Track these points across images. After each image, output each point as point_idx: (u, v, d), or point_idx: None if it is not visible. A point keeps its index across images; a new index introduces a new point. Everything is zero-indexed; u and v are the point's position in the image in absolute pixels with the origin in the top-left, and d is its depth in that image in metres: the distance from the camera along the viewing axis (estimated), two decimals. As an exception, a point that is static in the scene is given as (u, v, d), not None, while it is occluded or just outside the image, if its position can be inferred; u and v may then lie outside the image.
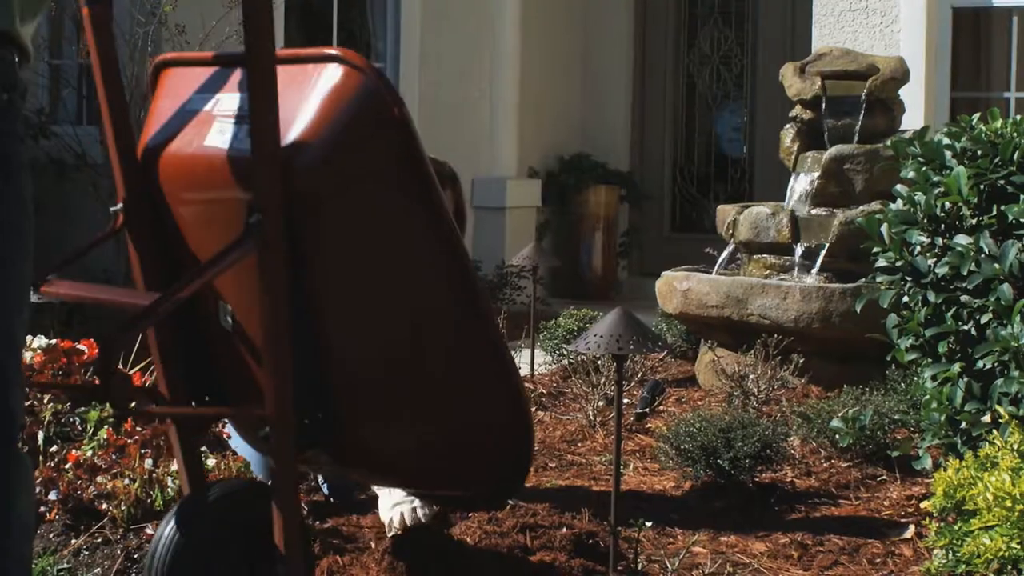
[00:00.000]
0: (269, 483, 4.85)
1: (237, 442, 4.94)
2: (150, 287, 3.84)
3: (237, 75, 3.68)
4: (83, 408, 5.39)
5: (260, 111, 3.37)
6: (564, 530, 4.40)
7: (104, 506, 4.55)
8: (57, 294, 3.78)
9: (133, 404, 3.42)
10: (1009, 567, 4.06)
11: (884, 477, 5.79)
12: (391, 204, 3.57)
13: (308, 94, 3.46)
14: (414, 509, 4.71)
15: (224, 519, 3.74)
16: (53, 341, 5.53)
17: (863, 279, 6.76)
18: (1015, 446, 4.20)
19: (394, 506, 4.77)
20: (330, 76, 3.47)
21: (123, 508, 4.53)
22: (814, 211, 7.67)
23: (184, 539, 3.66)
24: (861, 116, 7.83)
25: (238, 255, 3.37)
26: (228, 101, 3.63)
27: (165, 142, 3.74)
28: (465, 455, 3.95)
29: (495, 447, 3.94)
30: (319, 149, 3.43)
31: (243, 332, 3.69)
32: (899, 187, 5.29)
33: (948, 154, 5.13)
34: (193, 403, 3.99)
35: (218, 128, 3.59)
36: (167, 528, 3.69)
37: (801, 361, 6.93)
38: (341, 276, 3.57)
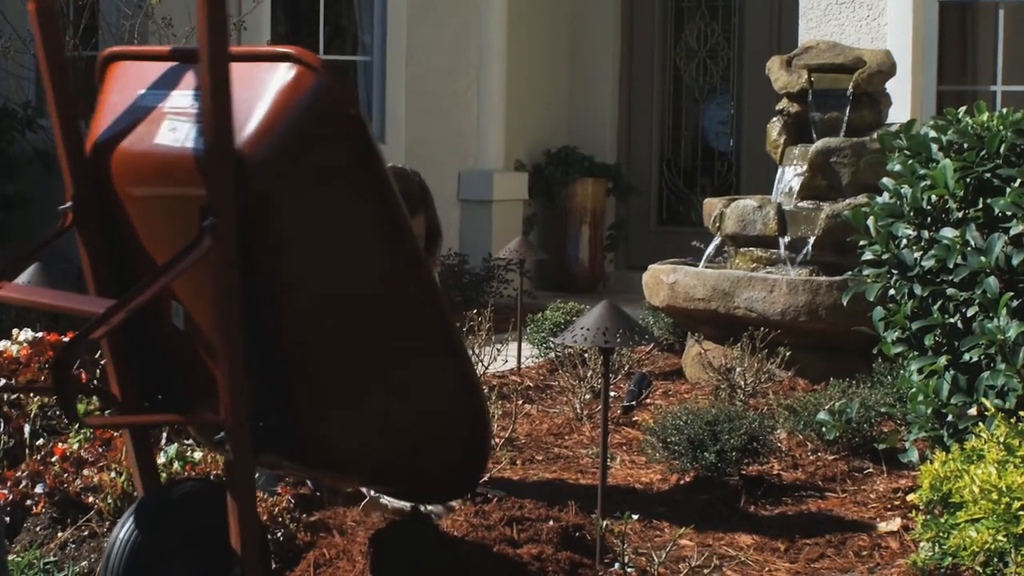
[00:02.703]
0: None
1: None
2: (100, 288, 3.78)
3: (190, 72, 3.62)
4: (69, 401, 5.38)
5: (214, 110, 3.33)
6: (551, 523, 4.40)
7: (91, 499, 4.55)
8: (6, 298, 3.73)
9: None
10: (995, 559, 4.07)
11: (870, 470, 5.80)
12: (345, 201, 3.54)
13: (261, 93, 3.42)
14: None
15: (181, 522, 3.71)
16: (39, 334, 5.52)
17: (849, 272, 6.74)
18: (1001, 439, 4.20)
19: (376, 498, 4.78)
20: (283, 75, 3.43)
21: (110, 501, 4.52)
22: (801, 204, 7.68)
23: (140, 543, 3.63)
24: (848, 109, 7.84)
25: (192, 259, 3.34)
26: (180, 98, 3.58)
27: (115, 139, 3.67)
28: (423, 448, 3.93)
29: (452, 438, 3.93)
30: (272, 148, 3.39)
31: (196, 331, 3.65)
32: (885, 180, 5.30)
33: (934, 147, 5.13)
34: (147, 403, 3.93)
35: (169, 126, 3.54)
36: (122, 531, 3.65)
37: (788, 354, 6.93)
38: (300, 271, 3.55)
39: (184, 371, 3.83)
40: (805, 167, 7.71)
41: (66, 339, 5.32)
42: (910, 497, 4.47)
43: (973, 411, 4.82)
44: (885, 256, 5.13)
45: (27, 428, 5.11)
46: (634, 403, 6.96)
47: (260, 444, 3.66)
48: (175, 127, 3.52)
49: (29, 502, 4.59)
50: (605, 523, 4.40)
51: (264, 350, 3.58)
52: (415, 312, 3.72)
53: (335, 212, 3.54)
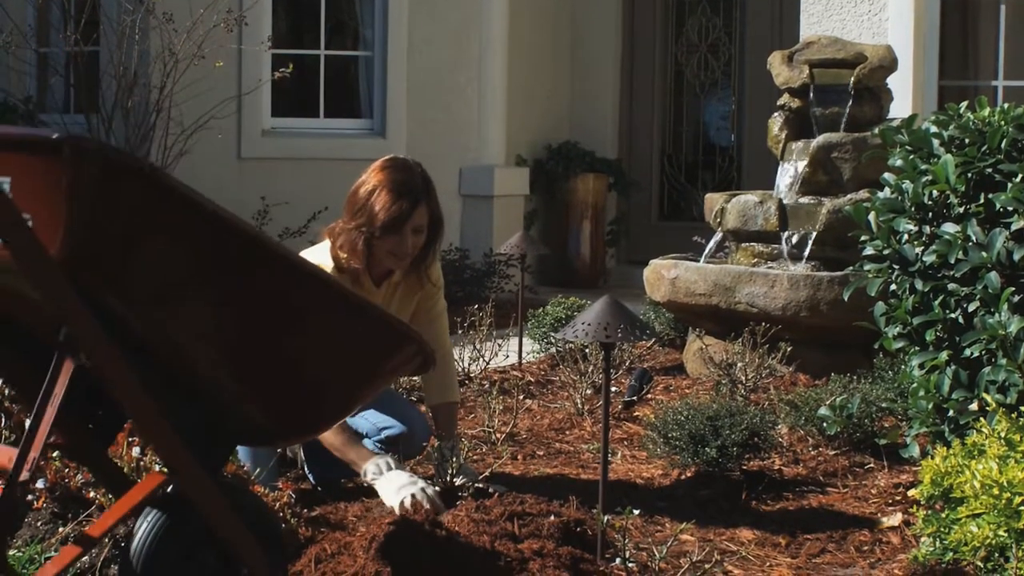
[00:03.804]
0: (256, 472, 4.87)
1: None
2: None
3: None
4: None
5: (17, 251, 3.16)
6: (552, 518, 4.40)
7: (91, 494, 4.54)
8: None
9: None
10: (996, 555, 4.07)
11: (871, 465, 5.80)
12: (172, 235, 3.44)
13: (50, 190, 3.21)
14: (423, 490, 4.75)
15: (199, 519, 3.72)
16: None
17: (851, 267, 6.76)
18: (1002, 434, 4.20)
19: (399, 490, 4.80)
20: (62, 167, 3.17)
21: (110, 496, 4.52)
22: (802, 199, 7.67)
23: (162, 537, 3.64)
24: (849, 104, 7.83)
25: (63, 379, 3.28)
26: None
27: None
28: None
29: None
30: (88, 240, 3.24)
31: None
32: (887, 175, 5.29)
33: (936, 142, 5.13)
34: (90, 426, 3.91)
35: None
36: (144, 522, 3.66)
37: (789, 349, 6.93)
38: (176, 310, 3.50)
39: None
40: (806, 162, 7.71)
41: None
42: (911, 492, 4.47)
43: (974, 406, 4.82)
44: (886, 251, 5.13)
45: (28, 423, 5.10)
46: (635, 398, 6.97)
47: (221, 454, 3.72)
48: None
49: (30, 497, 4.58)
50: (606, 518, 4.40)
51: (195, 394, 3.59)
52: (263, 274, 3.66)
53: (168, 247, 3.46)
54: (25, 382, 3.81)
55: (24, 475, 3.24)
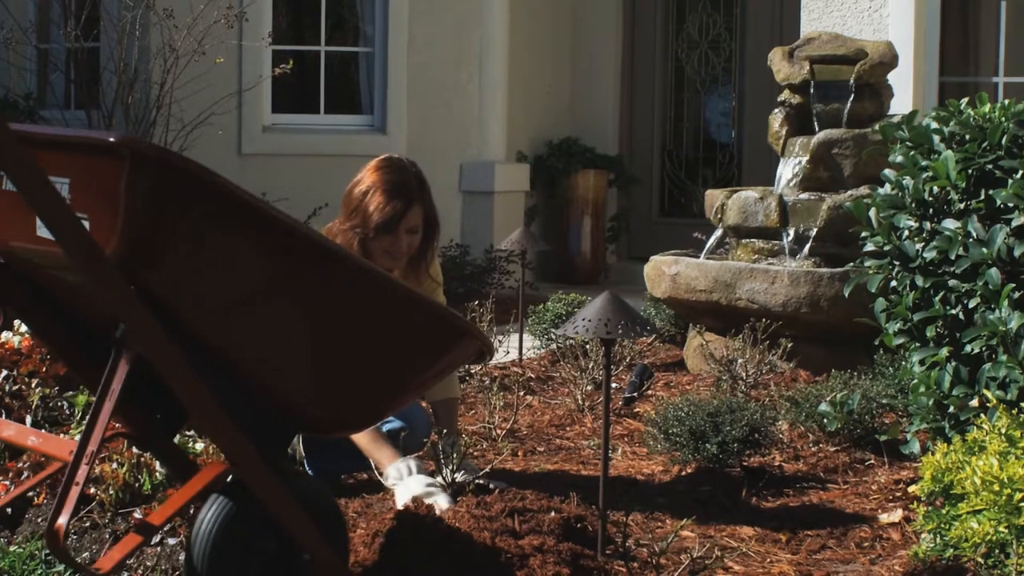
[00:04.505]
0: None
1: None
2: (60, 350, 3.84)
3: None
4: (71, 392, 5.39)
5: (70, 250, 3.20)
6: (552, 514, 4.39)
7: (92, 490, 4.54)
8: None
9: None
10: (996, 551, 4.07)
11: (872, 461, 5.80)
12: (230, 240, 3.45)
13: (107, 191, 3.26)
14: (435, 502, 4.73)
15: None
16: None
17: (851, 264, 6.76)
18: (1003, 430, 4.20)
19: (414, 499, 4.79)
20: (118, 170, 3.22)
21: (112, 492, 4.52)
22: (802, 196, 7.67)
23: (228, 525, 3.67)
24: (849, 101, 7.83)
25: (120, 379, 3.31)
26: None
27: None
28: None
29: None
30: (145, 241, 3.28)
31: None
32: (887, 172, 5.29)
33: (936, 139, 5.13)
34: (156, 416, 3.94)
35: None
36: (209, 511, 3.70)
37: (789, 345, 6.94)
38: (240, 313, 3.52)
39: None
40: (807, 158, 7.71)
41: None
42: (912, 488, 4.47)
43: (975, 402, 4.82)
44: (887, 247, 5.13)
45: (29, 419, 5.11)
46: (636, 394, 6.97)
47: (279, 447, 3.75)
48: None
49: (31, 493, 4.59)
50: (607, 514, 4.40)
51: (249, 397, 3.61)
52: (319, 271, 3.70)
53: (233, 254, 3.48)
54: (85, 368, 3.85)
55: (82, 471, 3.26)
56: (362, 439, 5.03)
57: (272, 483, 3.57)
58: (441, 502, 4.71)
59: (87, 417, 3.40)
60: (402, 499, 4.84)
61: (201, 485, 3.56)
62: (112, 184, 3.20)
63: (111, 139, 3.20)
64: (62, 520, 3.22)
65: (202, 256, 3.36)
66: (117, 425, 3.93)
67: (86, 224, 3.24)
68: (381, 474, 5.02)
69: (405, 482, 4.89)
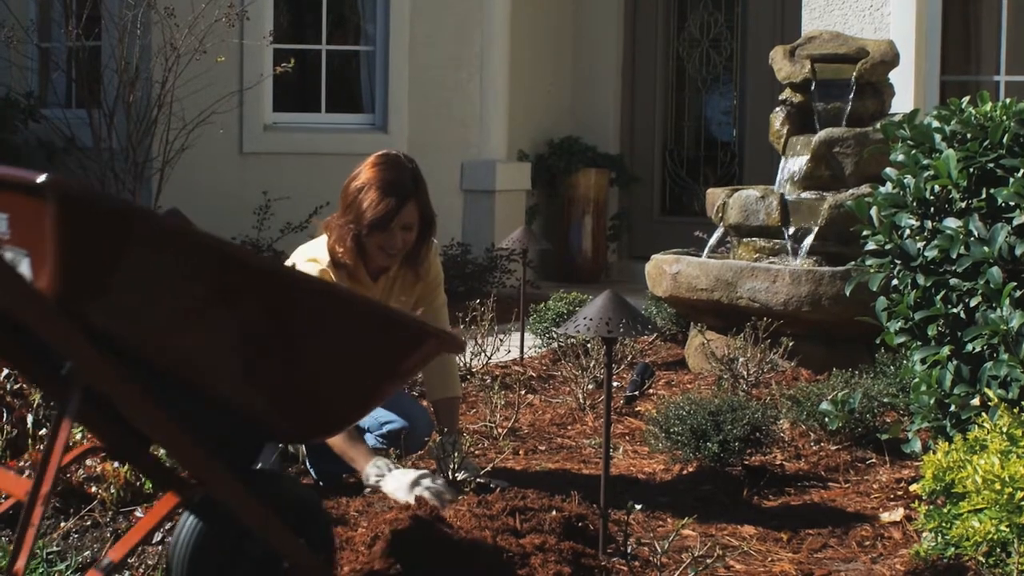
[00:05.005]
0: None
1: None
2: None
3: None
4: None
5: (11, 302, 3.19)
6: (554, 513, 4.40)
7: (94, 489, 4.55)
8: None
9: None
10: (998, 549, 4.07)
11: (873, 460, 5.80)
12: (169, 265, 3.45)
13: (40, 230, 3.22)
14: (433, 481, 4.76)
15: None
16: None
17: (852, 262, 6.75)
18: (1004, 429, 4.20)
19: (411, 486, 4.80)
20: (46, 210, 3.17)
21: (113, 491, 4.52)
22: (804, 194, 7.67)
23: (206, 531, 3.66)
24: (851, 99, 7.83)
25: (71, 418, 3.27)
26: None
27: None
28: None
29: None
30: (82, 276, 3.25)
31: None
32: (889, 170, 5.29)
33: (938, 137, 5.13)
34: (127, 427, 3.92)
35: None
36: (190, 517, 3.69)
37: (791, 344, 6.93)
38: (184, 336, 3.49)
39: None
40: (808, 157, 7.71)
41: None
42: (913, 487, 4.46)
43: (976, 401, 4.81)
44: (888, 246, 5.13)
45: (30, 418, 5.11)
46: (637, 393, 6.97)
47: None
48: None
49: (32, 492, 4.59)
50: (608, 513, 4.40)
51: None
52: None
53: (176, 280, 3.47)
54: (50, 384, 3.82)
55: (37, 512, 3.20)
56: (336, 439, 5.03)
57: (242, 496, 3.53)
58: (439, 481, 4.74)
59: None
60: (398, 491, 4.83)
61: (156, 519, 3.54)
62: (43, 223, 3.17)
63: (38, 180, 3.16)
64: (20, 564, 3.19)
65: (139, 286, 3.32)
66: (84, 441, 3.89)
67: (27, 260, 3.24)
68: (359, 473, 5.03)
69: (392, 475, 4.90)
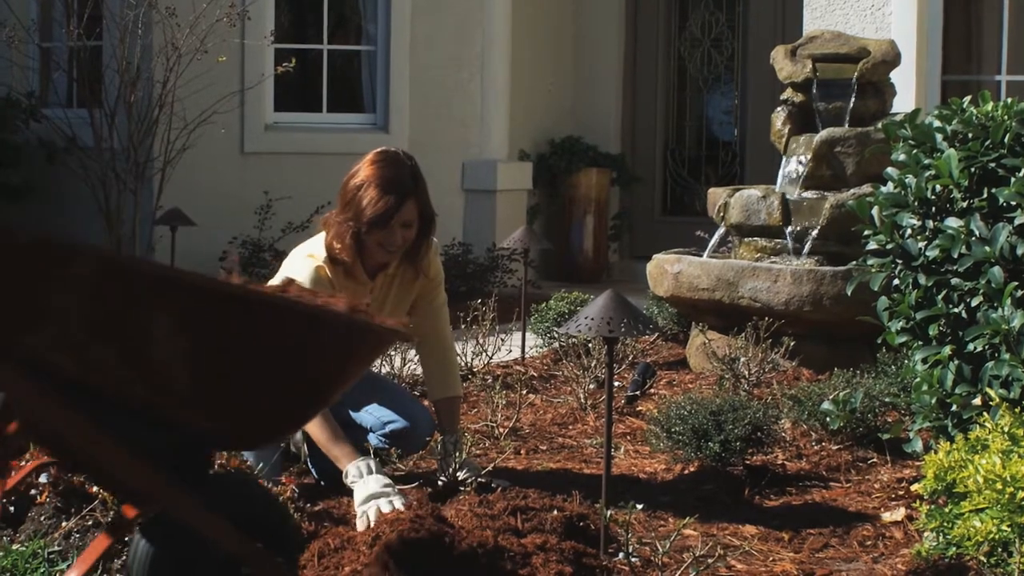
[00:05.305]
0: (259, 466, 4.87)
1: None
2: None
3: None
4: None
5: None
6: (555, 513, 4.40)
7: (94, 489, 4.54)
8: None
9: None
10: (999, 549, 4.07)
11: (875, 460, 5.80)
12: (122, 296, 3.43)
13: None
14: (390, 502, 4.67)
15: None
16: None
17: (854, 262, 6.76)
18: (1005, 428, 4.20)
19: (367, 500, 4.72)
20: None
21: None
22: (805, 194, 7.67)
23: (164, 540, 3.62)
24: (852, 99, 7.83)
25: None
26: None
27: None
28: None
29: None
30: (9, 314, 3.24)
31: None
32: (890, 170, 5.29)
33: (939, 137, 5.13)
34: None
35: None
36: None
37: (792, 344, 6.93)
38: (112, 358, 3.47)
39: None
40: (809, 157, 7.71)
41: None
42: (914, 487, 4.46)
43: (977, 401, 4.81)
44: (889, 246, 5.13)
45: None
46: (638, 393, 6.97)
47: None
48: None
49: (33, 492, 4.59)
50: (609, 513, 4.40)
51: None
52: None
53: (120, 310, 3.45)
54: None
55: None
56: (320, 436, 4.97)
57: (191, 507, 3.48)
58: (396, 503, 4.65)
59: None
60: (360, 497, 4.76)
61: (93, 559, 3.49)
62: None
63: None
64: None
65: (59, 313, 3.30)
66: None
67: None
68: (341, 471, 4.97)
69: (364, 480, 4.83)
